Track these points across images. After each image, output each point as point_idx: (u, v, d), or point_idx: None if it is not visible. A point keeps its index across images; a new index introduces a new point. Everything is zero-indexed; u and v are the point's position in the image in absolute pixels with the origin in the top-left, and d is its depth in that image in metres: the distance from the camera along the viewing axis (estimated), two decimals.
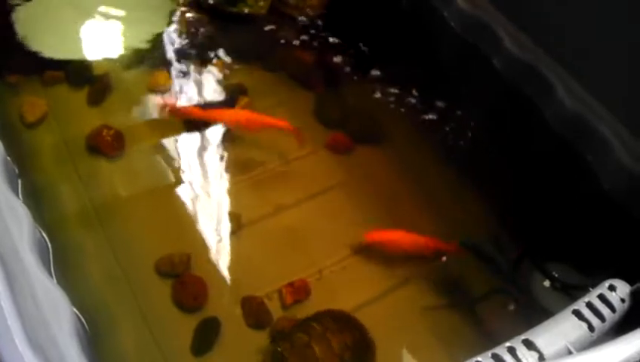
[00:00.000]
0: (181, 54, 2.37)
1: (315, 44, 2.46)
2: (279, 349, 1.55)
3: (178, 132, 2.11)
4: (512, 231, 1.96)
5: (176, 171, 2.00)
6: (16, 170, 1.82)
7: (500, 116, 2.28)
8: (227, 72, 2.34)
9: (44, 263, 1.51)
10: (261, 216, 1.93)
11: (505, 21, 2.32)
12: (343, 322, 1.63)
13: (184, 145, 2.08)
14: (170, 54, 2.37)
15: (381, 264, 1.86)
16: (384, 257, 1.87)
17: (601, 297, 1.38)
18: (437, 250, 1.85)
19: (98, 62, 2.30)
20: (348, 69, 2.39)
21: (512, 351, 1.24)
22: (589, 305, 1.36)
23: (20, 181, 1.80)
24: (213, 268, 1.78)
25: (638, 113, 1.94)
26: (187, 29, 2.47)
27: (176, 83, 2.26)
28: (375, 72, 2.38)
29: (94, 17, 2.48)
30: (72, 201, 1.89)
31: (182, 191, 1.95)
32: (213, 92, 2.27)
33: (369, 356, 1.62)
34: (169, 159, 2.03)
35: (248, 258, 1.83)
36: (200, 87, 2.27)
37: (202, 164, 2.03)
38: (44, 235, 1.69)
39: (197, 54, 2.38)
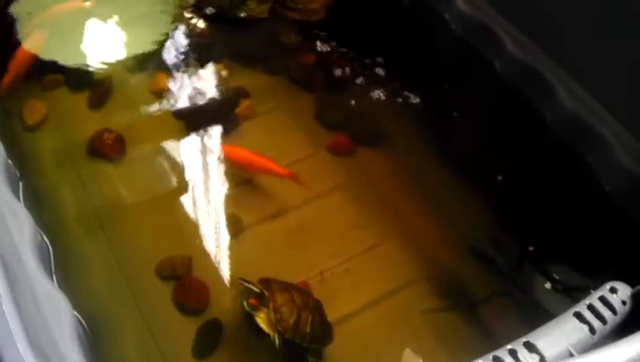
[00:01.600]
0: (183, 58, 2.37)
1: (316, 47, 2.46)
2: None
3: (179, 135, 2.12)
4: (513, 233, 1.95)
5: (177, 174, 2.00)
6: (18, 174, 1.82)
7: (500, 118, 2.28)
8: (228, 75, 2.34)
9: (46, 266, 1.52)
10: (262, 218, 1.93)
11: (505, 23, 2.32)
12: (306, 295, 1.67)
13: (185, 149, 2.08)
14: (172, 58, 2.37)
15: (383, 266, 1.86)
16: (386, 259, 1.87)
17: (603, 299, 1.38)
18: (273, 172, 1.96)
19: (99, 65, 2.30)
20: (349, 71, 2.39)
21: (513, 353, 1.24)
22: (591, 308, 1.36)
23: (21, 184, 1.81)
24: (215, 270, 1.79)
25: (638, 114, 1.94)
26: (189, 32, 2.47)
27: (177, 86, 2.26)
28: (376, 75, 2.38)
29: (95, 21, 2.48)
30: (73, 205, 1.90)
31: (183, 195, 1.95)
32: (214, 95, 2.27)
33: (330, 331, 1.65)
34: (170, 162, 2.03)
35: (249, 260, 1.83)
36: (201, 90, 2.27)
37: (203, 167, 2.03)
38: (46, 238, 1.69)
39: (198, 58, 2.38)
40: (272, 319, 1.55)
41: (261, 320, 1.57)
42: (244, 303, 1.59)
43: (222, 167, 2.04)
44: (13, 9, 2.44)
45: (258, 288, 1.61)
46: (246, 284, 1.63)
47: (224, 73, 2.34)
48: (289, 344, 1.57)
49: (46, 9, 2.46)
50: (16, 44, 2.30)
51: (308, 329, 1.57)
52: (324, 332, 1.62)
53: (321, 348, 1.63)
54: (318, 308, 1.64)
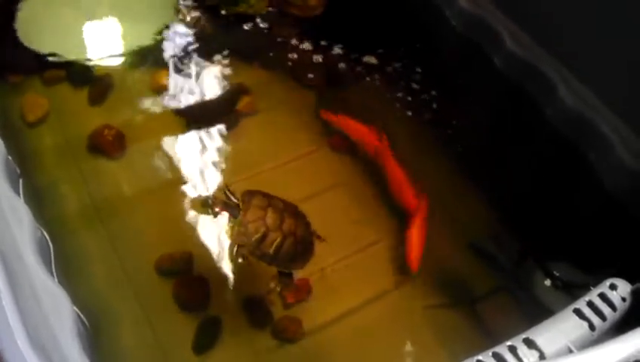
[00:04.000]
0: (182, 54, 2.37)
1: (316, 42, 2.46)
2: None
3: (179, 131, 2.12)
4: (513, 230, 1.95)
5: (178, 170, 2.00)
6: (18, 170, 1.82)
7: (501, 115, 2.28)
8: (228, 71, 2.34)
9: (46, 263, 1.52)
10: None
11: (506, 20, 2.32)
12: (300, 217, 1.66)
13: (186, 145, 2.08)
14: (172, 54, 2.37)
15: (383, 262, 1.86)
16: (386, 255, 1.87)
17: (602, 296, 1.38)
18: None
19: (99, 61, 2.30)
20: (349, 67, 2.39)
21: (512, 349, 1.24)
22: (590, 304, 1.36)
23: (21, 180, 1.81)
24: (215, 267, 1.79)
25: (639, 111, 1.94)
26: (188, 28, 2.47)
27: (177, 82, 2.26)
28: (376, 70, 2.38)
29: (95, 17, 2.48)
30: (73, 201, 1.90)
31: (183, 191, 1.95)
32: (214, 91, 2.27)
33: (301, 259, 1.65)
34: (171, 158, 2.03)
35: None
36: (201, 86, 2.27)
37: (204, 163, 2.03)
38: (46, 235, 1.69)
39: (198, 54, 2.38)
40: (236, 231, 1.55)
41: (229, 228, 1.57)
42: (209, 209, 1.59)
43: (222, 163, 2.04)
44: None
45: (236, 199, 1.59)
46: (227, 193, 1.61)
47: (224, 69, 2.34)
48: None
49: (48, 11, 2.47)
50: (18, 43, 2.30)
51: (271, 251, 1.55)
52: (292, 258, 1.61)
53: (286, 271, 1.64)
54: (299, 237, 1.61)
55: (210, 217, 1.60)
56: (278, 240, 1.56)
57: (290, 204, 1.66)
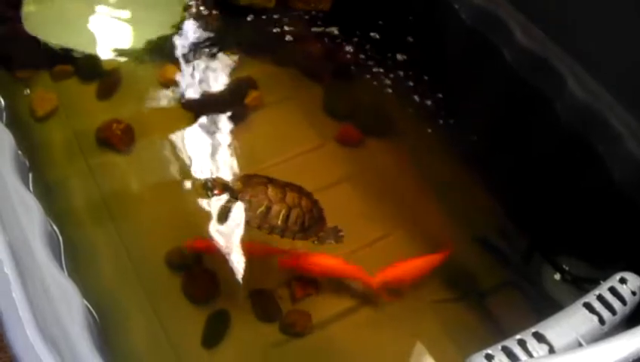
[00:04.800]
0: (191, 48, 2.37)
1: (324, 36, 2.46)
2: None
3: (188, 125, 2.12)
4: (522, 224, 1.95)
5: (186, 164, 2.00)
6: (27, 164, 1.83)
7: (510, 108, 2.27)
8: (237, 65, 2.34)
9: (56, 256, 1.52)
10: None
11: (516, 13, 2.30)
12: (305, 194, 1.70)
13: (194, 139, 2.08)
14: (180, 48, 2.37)
15: (390, 257, 1.85)
16: (393, 249, 1.87)
17: (612, 290, 1.38)
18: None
19: (108, 56, 2.30)
20: (357, 61, 2.38)
21: (522, 343, 1.24)
22: (600, 298, 1.36)
23: (30, 174, 1.82)
24: (224, 260, 1.79)
25: None
26: (197, 22, 2.47)
27: (186, 76, 2.26)
28: (384, 64, 2.37)
29: (104, 11, 2.49)
30: (82, 194, 1.90)
31: (192, 185, 1.95)
32: (222, 85, 2.27)
33: (313, 228, 1.68)
34: (179, 152, 2.04)
35: None
36: (209, 80, 2.27)
37: (212, 157, 2.03)
38: (55, 228, 1.70)
39: (207, 48, 2.38)
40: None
41: (225, 207, 1.63)
42: (208, 191, 1.65)
43: (230, 157, 2.04)
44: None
45: (235, 185, 1.64)
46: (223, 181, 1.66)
47: (232, 63, 2.34)
48: None
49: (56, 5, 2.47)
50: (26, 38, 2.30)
51: (279, 222, 1.60)
52: (302, 228, 1.65)
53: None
54: (305, 207, 1.65)
55: (218, 208, 1.61)
56: (284, 211, 1.59)
57: (292, 183, 1.70)
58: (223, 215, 1.64)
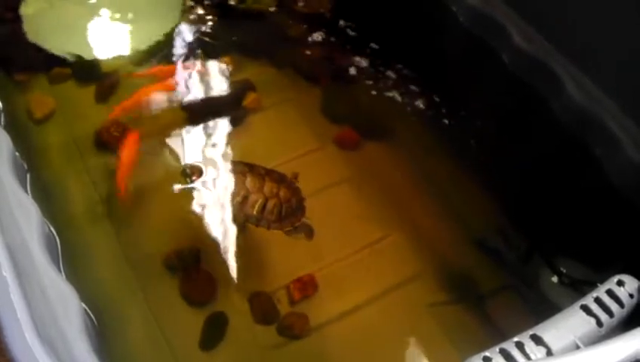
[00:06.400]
0: (189, 51, 2.37)
1: (323, 39, 2.46)
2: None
3: (186, 127, 2.12)
4: (520, 226, 1.95)
5: (184, 167, 2.00)
6: (25, 166, 1.83)
7: (508, 111, 2.27)
8: (235, 68, 2.34)
9: (53, 258, 1.52)
10: None
11: (514, 16, 2.31)
12: (286, 183, 1.78)
13: (192, 141, 2.08)
14: (179, 51, 2.37)
15: (389, 259, 1.86)
16: (392, 252, 1.87)
17: (610, 293, 1.38)
18: None
19: (106, 58, 2.31)
20: (355, 64, 2.39)
21: (519, 346, 1.24)
22: (598, 301, 1.36)
23: (28, 176, 1.82)
24: (222, 262, 1.79)
25: None
26: (195, 25, 2.47)
27: (184, 78, 2.26)
28: (382, 67, 2.37)
29: (103, 14, 2.49)
30: (80, 197, 1.90)
31: (190, 187, 1.95)
32: (221, 88, 2.27)
33: (290, 218, 1.75)
34: (177, 154, 2.04)
35: (256, 253, 1.83)
36: (208, 83, 2.27)
37: (210, 160, 2.03)
38: (53, 230, 1.70)
39: (205, 50, 2.38)
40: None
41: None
42: (187, 178, 1.75)
43: (228, 159, 2.04)
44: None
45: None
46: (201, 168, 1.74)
47: (231, 66, 2.34)
48: None
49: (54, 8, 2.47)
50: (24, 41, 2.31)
51: (254, 212, 1.68)
52: (277, 218, 1.72)
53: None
54: (283, 198, 1.73)
55: (216, 213, 1.62)
56: (260, 201, 1.63)
57: (275, 171, 1.74)
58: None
